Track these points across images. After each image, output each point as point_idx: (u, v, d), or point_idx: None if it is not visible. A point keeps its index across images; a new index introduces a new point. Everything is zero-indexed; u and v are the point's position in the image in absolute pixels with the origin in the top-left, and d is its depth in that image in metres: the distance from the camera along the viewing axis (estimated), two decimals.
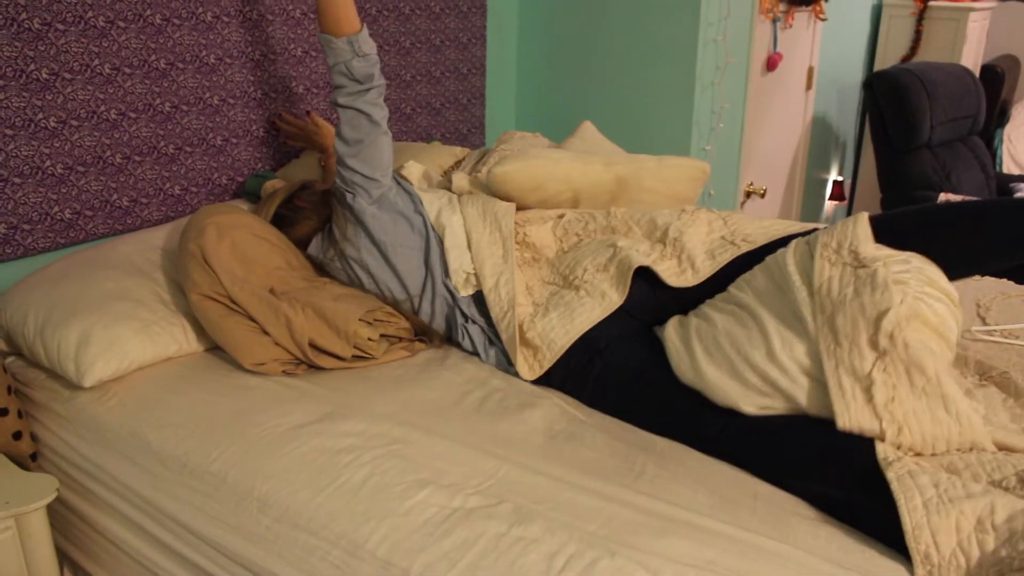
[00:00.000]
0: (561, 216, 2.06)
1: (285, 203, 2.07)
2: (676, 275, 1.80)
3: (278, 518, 1.40)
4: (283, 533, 1.39)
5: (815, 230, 1.69)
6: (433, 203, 2.00)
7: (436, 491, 1.39)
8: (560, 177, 2.10)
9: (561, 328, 1.76)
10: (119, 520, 1.67)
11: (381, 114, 1.93)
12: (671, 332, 1.69)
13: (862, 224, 1.57)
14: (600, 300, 1.78)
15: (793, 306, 1.51)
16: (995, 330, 2.04)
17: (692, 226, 1.88)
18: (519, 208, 2.10)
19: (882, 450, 1.35)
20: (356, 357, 1.82)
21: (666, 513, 1.34)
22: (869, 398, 1.38)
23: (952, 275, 1.56)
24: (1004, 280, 2.34)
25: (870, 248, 1.52)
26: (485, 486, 1.41)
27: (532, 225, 2.01)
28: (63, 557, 1.82)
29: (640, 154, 2.27)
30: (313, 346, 1.78)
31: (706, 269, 1.78)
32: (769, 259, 1.64)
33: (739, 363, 1.52)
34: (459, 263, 1.92)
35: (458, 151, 2.67)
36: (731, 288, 1.69)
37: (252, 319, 1.79)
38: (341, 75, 1.90)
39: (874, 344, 1.39)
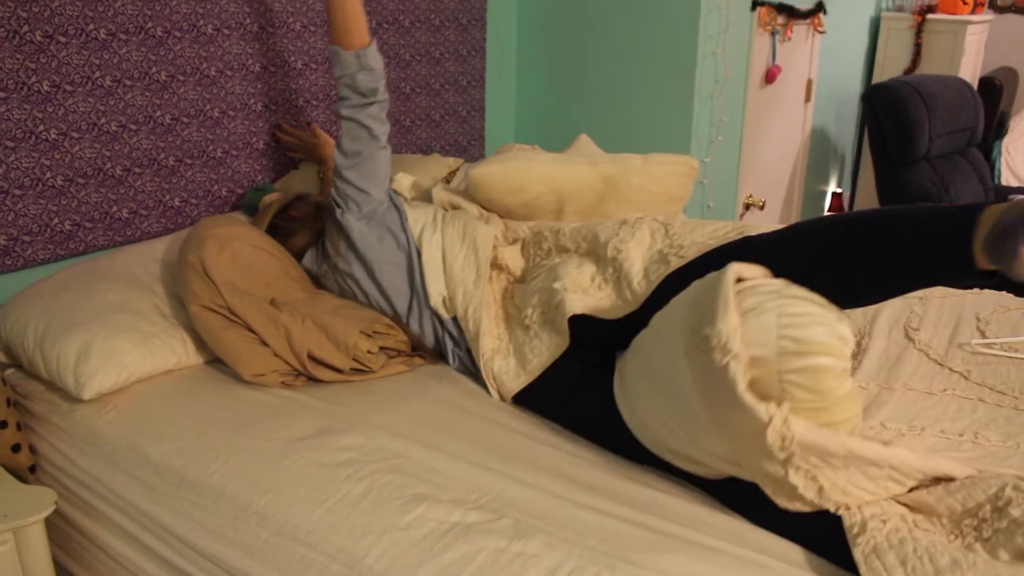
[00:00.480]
0: (527, 235, 2.01)
1: (280, 214, 2.07)
2: (613, 308, 1.72)
3: (277, 531, 1.40)
4: (281, 547, 1.39)
5: (745, 240, 1.64)
6: (418, 220, 1.98)
7: (435, 505, 1.39)
8: (540, 178, 2.06)
9: (514, 373, 1.74)
10: (117, 533, 1.67)
11: (382, 128, 1.94)
12: (616, 378, 1.59)
13: (723, 288, 1.32)
14: (548, 343, 1.74)
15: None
16: (994, 343, 2.04)
17: (633, 239, 1.79)
18: (505, 215, 2.08)
19: (848, 517, 1.28)
20: (355, 370, 1.82)
21: (665, 529, 1.34)
22: (800, 497, 1.29)
23: (860, 303, 1.50)
24: (1003, 293, 2.34)
25: (724, 326, 1.27)
26: (484, 501, 1.41)
27: (505, 247, 1.98)
28: (61, 570, 1.82)
29: (626, 153, 2.23)
30: (312, 358, 1.78)
31: (642, 291, 1.69)
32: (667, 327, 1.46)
33: (666, 437, 1.43)
34: (435, 285, 1.90)
35: (452, 162, 2.67)
36: (648, 336, 1.54)
37: (251, 330, 1.79)
38: (346, 87, 1.92)
39: (773, 457, 1.26)
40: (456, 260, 1.90)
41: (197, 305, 1.80)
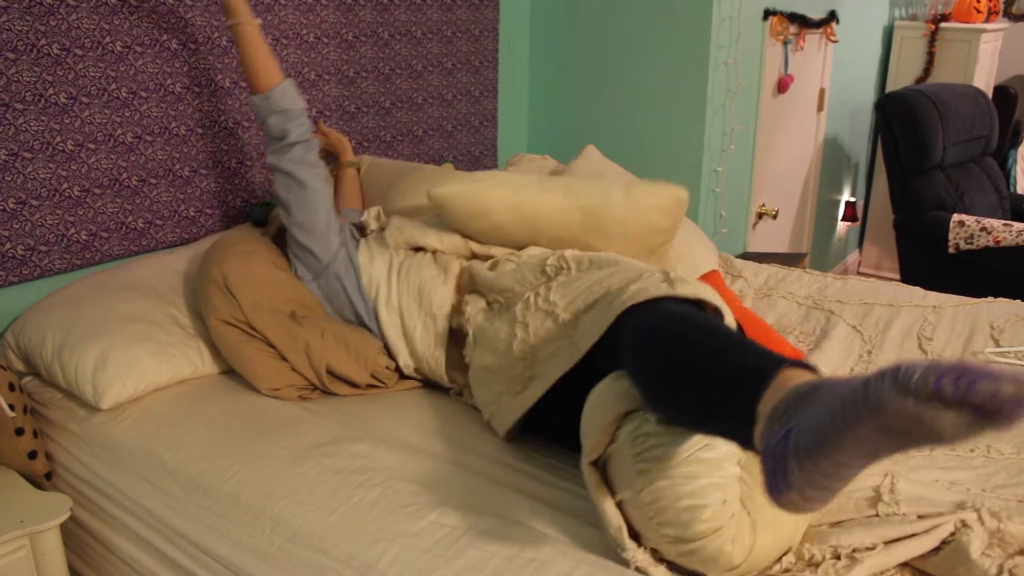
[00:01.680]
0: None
1: (279, 233, 2.10)
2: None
3: (290, 538, 1.41)
4: (295, 553, 1.40)
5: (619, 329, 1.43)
6: (374, 279, 1.92)
7: (447, 512, 1.39)
8: (506, 205, 1.88)
9: (498, 423, 1.66)
10: (132, 539, 1.68)
11: (308, 172, 1.90)
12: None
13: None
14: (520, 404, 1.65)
15: None
16: (1008, 351, 2.03)
17: (532, 310, 1.65)
18: (479, 240, 1.95)
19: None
20: (370, 385, 1.84)
21: None
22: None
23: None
24: (1017, 301, 2.33)
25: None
26: (494, 509, 1.41)
27: (472, 303, 1.82)
28: None
29: (611, 179, 2.04)
30: (330, 372, 1.79)
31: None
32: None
33: None
34: (401, 356, 1.86)
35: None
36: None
37: (271, 345, 1.81)
38: (267, 133, 1.93)
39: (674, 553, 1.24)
40: (415, 328, 1.85)
41: (216, 319, 1.82)
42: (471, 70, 3.12)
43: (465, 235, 1.96)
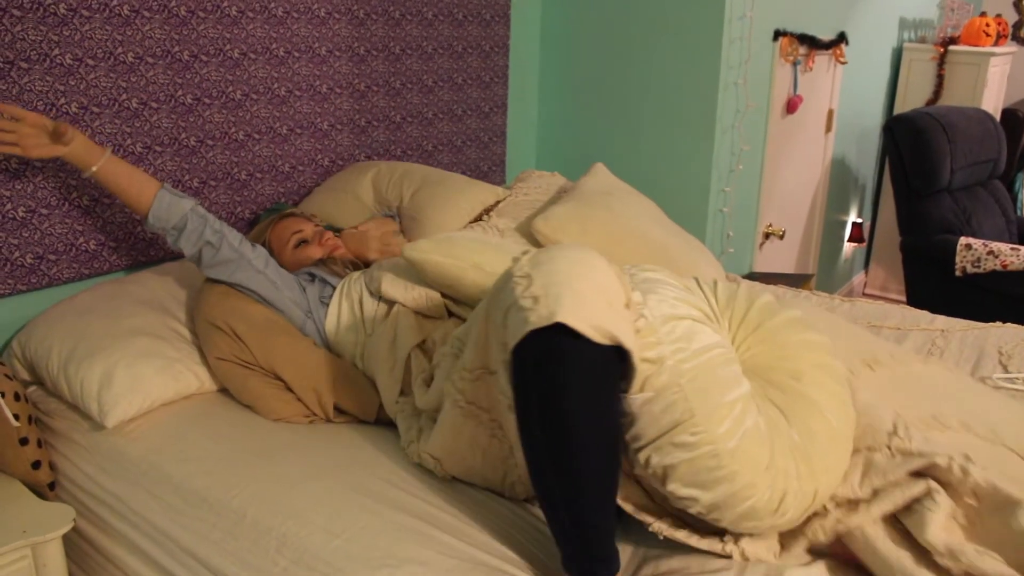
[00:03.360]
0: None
1: None
2: None
3: (295, 560, 1.39)
4: (299, 574, 1.38)
5: None
6: (343, 352, 1.89)
7: (455, 540, 1.38)
8: (475, 282, 1.79)
9: None
10: (135, 552, 1.67)
11: (235, 273, 1.87)
12: None
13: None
14: None
15: None
16: (1016, 378, 2.02)
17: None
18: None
19: None
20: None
21: None
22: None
23: None
24: None
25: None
26: (504, 537, 1.40)
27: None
28: None
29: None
30: (337, 409, 1.80)
31: None
32: None
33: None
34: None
35: (498, 192, 2.57)
36: None
37: (277, 377, 1.80)
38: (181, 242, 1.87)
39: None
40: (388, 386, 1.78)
41: (215, 357, 1.83)
42: (481, 86, 3.13)
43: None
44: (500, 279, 1.32)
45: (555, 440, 1.18)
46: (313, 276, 1.97)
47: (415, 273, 1.86)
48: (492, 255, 1.81)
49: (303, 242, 2.05)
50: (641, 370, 1.22)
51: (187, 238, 1.84)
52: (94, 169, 1.81)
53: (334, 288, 1.95)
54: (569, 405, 1.16)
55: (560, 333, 1.15)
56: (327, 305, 1.91)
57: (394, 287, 1.85)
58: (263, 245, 2.07)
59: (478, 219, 2.48)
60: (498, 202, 2.55)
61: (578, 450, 1.18)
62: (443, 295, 1.86)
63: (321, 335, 1.91)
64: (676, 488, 1.25)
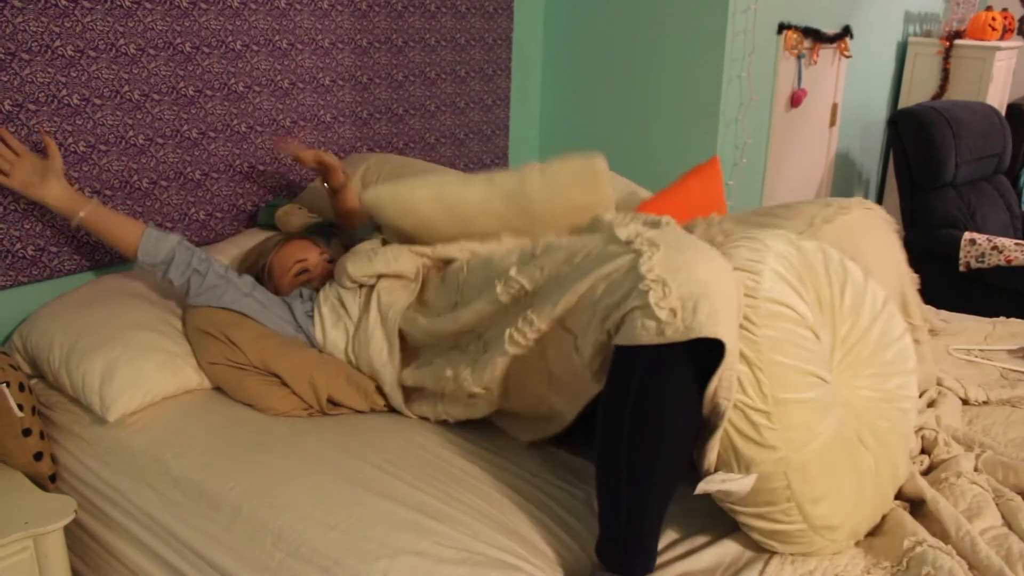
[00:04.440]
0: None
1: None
2: None
3: (291, 552, 1.39)
4: (296, 568, 1.38)
5: None
6: (336, 352, 1.90)
7: (450, 530, 1.38)
8: (430, 200, 1.84)
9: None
10: (134, 544, 1.67)
11: (224, 296, 1.88)
12: None
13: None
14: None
15: None
16: (971, 349, 2.07)
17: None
18: (418, 241, 1.92)
19: None
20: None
21: None
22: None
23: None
24: None
25: None
26: (502, 526, 1.40)
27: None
28: None
29: (532, 165, 1.92)
30: (331, 400, 1.80)
31: None
32: None
33: None
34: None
35: None
36: None
37: (274, 374, 1.81)
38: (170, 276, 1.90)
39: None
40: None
41: (206, 362, 1.84)
42: (484, 78, 3.12)
43: (402, 239, 1.93)
44: (612, 254, 1.34)
45: (641, 440, 1.24)
46: (300, 292, 1.98)
47: (372, 250, 1.88)
48: (439, 176, 1.91)
49: (305, 271, 2.03)
50: (747, 453, 1.25)
51: (175, 269, 1.87)
52: (81, 215, 1.86)
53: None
54: (666, 416, 1.23)
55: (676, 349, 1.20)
56: (312, 318, 1.91)
57: (358, 265, 1.85)
58: (262, 265, 2.06)
59: None
60: None
61: (661, 453, 1.24)
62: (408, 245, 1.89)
63: (313, 346, 1.91)
64: (747, 529, 1.33)
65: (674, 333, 1.17)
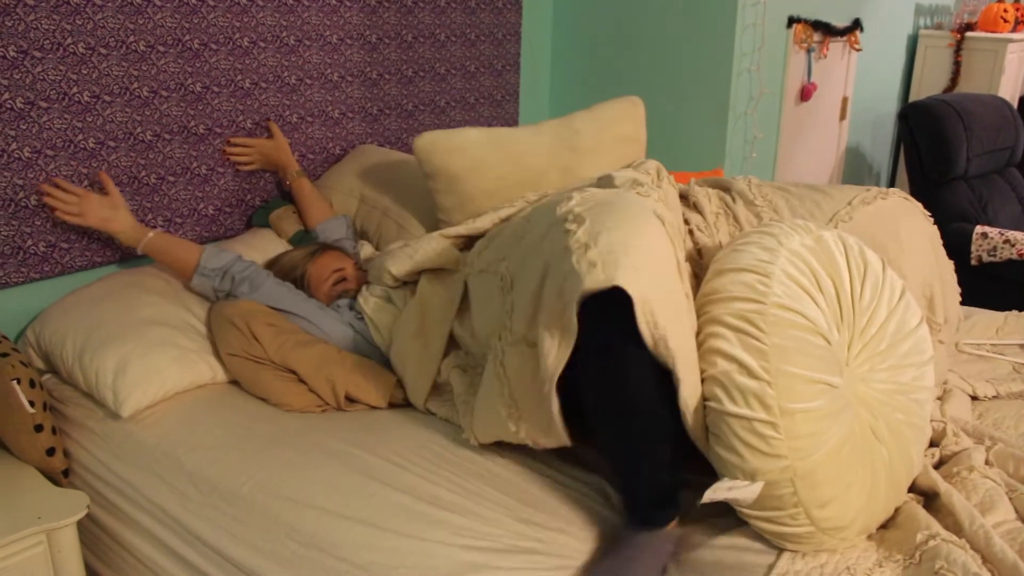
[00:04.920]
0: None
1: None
2: None
3: (306, 543, 1.40)
4: (311, 558, 1.39)
5: None
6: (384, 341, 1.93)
7: (466, 522, 1.38)
8: (482, 139, 2.01)
9: None
10: (147, 538, 1.68)
11: (245, 288, 1.95)
12: None
13: None
14: None
15: None
16: (982, 344, 2.05)
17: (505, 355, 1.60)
18: (450, 190, 1.98)
19: None
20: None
21: None
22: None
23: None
24: None
25: None
26: (516, 517, 1.40)
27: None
28: (91, 573, 1.83)
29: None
30: (348, 397, 1.80)
31: None
32: None
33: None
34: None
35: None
36: None
37: (291, 371, 1.81)
38: (217, 293, 1.98)
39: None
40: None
41: (226, 353, 1.84)
42: (493, 74, 3.12)
43: (444, 185, 2.00)
44: (551, 235, 1.38)
45: (608, 394, 1.31)
46: (337, 304, 2.00)
47: (407, 245, 1.90)
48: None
49: (343, 280, 2.06)
50: (753, 463, 1.25)
51: (233, 275, 1.96)
52: (150, 236, 2.00)
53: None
54: (619, 366, 1.29)
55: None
56: (362, 321, 1.94)
57: (399, 263, 1.88)
58: (299, 275, 2.08)
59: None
60: None
61: (629, 401, 1.30)
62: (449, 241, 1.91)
63: (364, 336, 1.92)
64: (757, 529, 1.33)
65: (593, 282, 1.22)
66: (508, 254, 1.59)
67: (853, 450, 1.30)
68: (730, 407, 1.25)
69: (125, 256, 2.17)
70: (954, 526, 1.34)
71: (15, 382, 1.68)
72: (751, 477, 1.25)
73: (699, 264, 1.64)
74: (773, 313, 1.28)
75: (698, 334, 1.35)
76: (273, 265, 2.13)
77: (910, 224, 1.85)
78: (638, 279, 1.22)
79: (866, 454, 1.32)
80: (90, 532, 1.80)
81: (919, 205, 1.91)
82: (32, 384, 1.71)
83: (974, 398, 1.86)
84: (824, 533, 1.28)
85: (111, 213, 1.98)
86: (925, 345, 1.46)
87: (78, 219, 1.97)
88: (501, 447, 1.62)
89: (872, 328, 1.40)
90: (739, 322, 1.29)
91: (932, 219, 1.92)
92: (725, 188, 1.89)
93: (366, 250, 2.25)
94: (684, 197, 1.84)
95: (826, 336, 1.32)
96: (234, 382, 1.90)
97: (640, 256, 1.24)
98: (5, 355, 1.72)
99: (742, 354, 1.26)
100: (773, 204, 1.85)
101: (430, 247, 1.87)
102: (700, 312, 1.36)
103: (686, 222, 1.75)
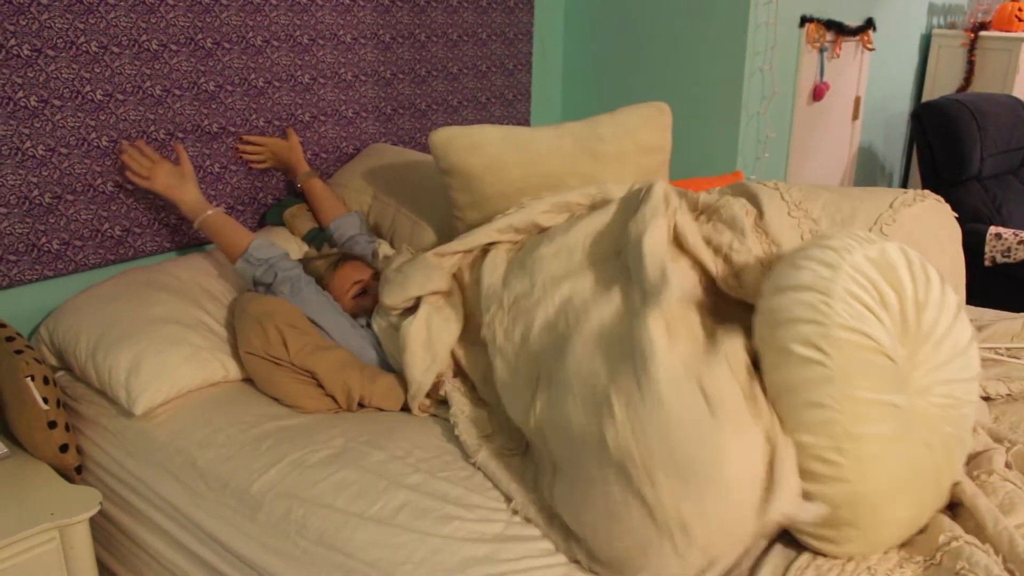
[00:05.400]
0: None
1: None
2: None
3: (316, 540, 1.41)
4: (321, 555, 1.39)
5: None
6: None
7: (475, 518, 1.38)
8: (500, 137, 1.92)
9: None
10: (159, 535, 1.69)
11: (287, 288, 1.95)
12: None
13: None
14: None
15: None
16: (997, 348, 2.03)
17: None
18: (466, 187, 1.93)
19: None
20: None
21: None
22: None
23: None
24: None
25: None
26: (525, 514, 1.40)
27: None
28: (103, 569, 1.84)
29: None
30: (360, 403, 1.81)
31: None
32: None
33: None
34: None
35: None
36: None
37: (308, 373, 1.81)
38: (257, 284, 1.98)
39: None
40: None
41: (245, 351, 1.84)
42: (505, 73, 3.12)
43: (461, 183, 1.96)
44: None
45: None
46: (356, 318, 2.01)
47: (399, 271, 1.86)
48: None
49: (364, 291, 2.04)
50: (814, 489, 1.23)
51: (276, 271, 1.96)
52: (204, 216, 2.00)
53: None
54: None
55: None
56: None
57: (392, 294, 1.83)
58: (323, 284, 2.07)
59: None
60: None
61: None
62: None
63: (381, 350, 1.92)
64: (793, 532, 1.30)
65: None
66: (541, 359, 1.52)
67: (911, 469, 1.27)
68: (796, 436, 1.24)
69: (139, 254, 2.17)
70: (975, 529, 1.33)
71: (29, 379, 1.69)
72: (812, 499, 1.23)
73: (741, 286, 1.54)
74: (837, 335, 1.24)
75: (763, 357, 1.32)
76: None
77: (948, 226, 1.84)
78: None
79: (921, 471, 1.29)
80: (102, 529, 1.81)
81: (948, 207, 1.90)
82: (46, 381, 1.72)
83: (986, 398, 1.85)
84: (867, 547, 1.27)
85: (178, 182, 2.02)
86: (976, 360, 1.41)
87: (146, 182, 2.01)
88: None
89: (932, 343, 1.35)
90: (805, 349, 1.25)
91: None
92: (751, 195, 1.81)
93: (384, 248, 2.24)
94: (711, 210, 1.72)
95: (890, 355, 1.27)
96: (247, 380, 1.90)
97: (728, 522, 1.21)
98: (19, 352, 1.73)
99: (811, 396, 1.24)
100: (809, 212, 1.80)
101: (420, 274, 1.83)
102: (762, 333, 1.33)
103: (712, 244, 1.62)
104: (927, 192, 1.89)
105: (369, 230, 2.36)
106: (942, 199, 1.91)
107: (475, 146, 1.93)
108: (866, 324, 1.26)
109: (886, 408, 1.24)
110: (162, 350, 1.80)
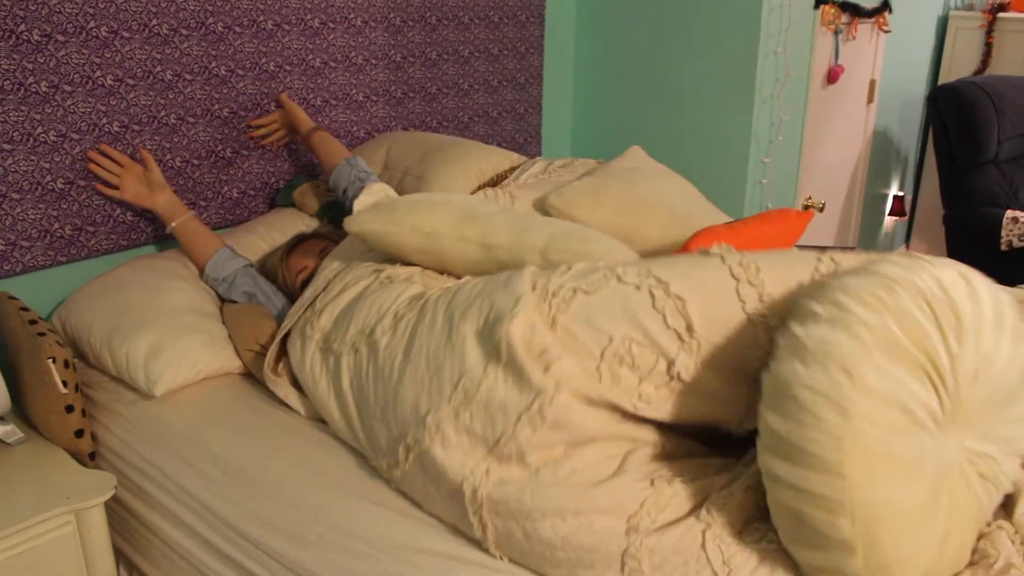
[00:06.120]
0: None
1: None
2: None
3: (332, 527, 1.40)
4: (336, 541, 1.39)
5: None
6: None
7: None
8: (420, 249, 1.68)
9: None
10: (173, 521, 1.69)
11: (258, 289, 2.00)
12: None
13: None
14: None
15: None
16: None
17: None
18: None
19: None
20: None
21: None
22: None
23: None
24: None
25: None
26: None
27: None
28: (119, 554, 1.85)
29: (542, 226, 1.63)
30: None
31: None
32: None
33: None
34: None
35: (515, 158, 2.48)
36: None
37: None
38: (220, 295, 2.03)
39: None
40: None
41: (242, 348, 1.85)
42: (517, 56, 3.10)
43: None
44: None
45: None
46: None
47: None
48: (437, 216, 1.66)
49: (310, 278, 2.00)
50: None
51: (236, 290, 2.01)
52: (174, 225, 2.04)
53: None
54: None
55: None
56: None
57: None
58: (279, 279, 2.06)
59: (493, 185, 2.40)
60: (513, 168, 2.43)
61: None
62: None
63: None
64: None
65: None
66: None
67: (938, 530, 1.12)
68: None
69: (151, 239, 2.18)
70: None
71: (51, 360, 1.69)
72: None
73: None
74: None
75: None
76: (262, 268, 2.14)
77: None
78: None
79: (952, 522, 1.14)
80: (117, 515, 1.81)
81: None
82: (66, 365, 1.72)
83: None
84: None
85: (147, 189, 2.04)
86: None
87: (116, 192, 2.03)
88: None
89: (974, 412, 1.16)
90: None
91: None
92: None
93: (375, 188, 2.17)
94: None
95: (935, 419, 1.10)
96: None
97: None
98: (42, 334, 1.73)
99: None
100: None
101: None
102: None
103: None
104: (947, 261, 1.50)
105: (361, 169, 2.25)
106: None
107: (396, 250, 1.72)
108: (901, 391, 1.09)
109: (918, 484, 1.09)
110: (181, 335, 1.82)
